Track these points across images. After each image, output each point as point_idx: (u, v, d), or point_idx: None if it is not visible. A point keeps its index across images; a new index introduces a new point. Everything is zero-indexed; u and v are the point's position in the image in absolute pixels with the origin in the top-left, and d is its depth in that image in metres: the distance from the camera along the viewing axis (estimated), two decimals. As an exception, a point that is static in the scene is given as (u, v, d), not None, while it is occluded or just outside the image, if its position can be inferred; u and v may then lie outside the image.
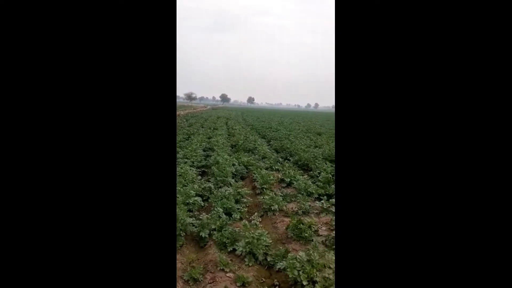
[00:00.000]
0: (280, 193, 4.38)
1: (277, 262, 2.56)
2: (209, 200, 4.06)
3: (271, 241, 2.93)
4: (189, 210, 3.59)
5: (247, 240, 2.78)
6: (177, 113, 21.86)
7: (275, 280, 2.45)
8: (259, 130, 13.76)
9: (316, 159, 6.60)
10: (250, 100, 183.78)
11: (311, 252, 2.53)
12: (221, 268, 2.52)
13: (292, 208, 3.87)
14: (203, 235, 3.05)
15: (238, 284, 2.34)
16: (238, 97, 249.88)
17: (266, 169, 5.82)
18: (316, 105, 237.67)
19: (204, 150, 7.49)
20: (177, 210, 3.08)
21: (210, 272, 2.53)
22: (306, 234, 3.02)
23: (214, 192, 4.27)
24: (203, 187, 4.49)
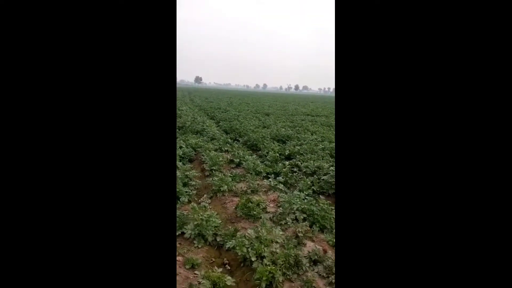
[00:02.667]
0: (229, 174, 4.39)
1: (227, 242, 2.59)
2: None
3: (220, 221, 2.94)
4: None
5: (196, 223, 2.75)
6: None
7: (225, 259, 2.49)
8: (208, 111, 13.45)
9: (264, 139, 6.74)
10: (198, 79, 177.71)
11: (259, 229, 2.62)
12: (169, 252, 2.46)
13: (241, 187, 3.92)
14: (149, 221, 2.92)
15: (187, 266, 2.32)
16: (184, 77, 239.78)
17: (215, 150, 5.76)
18: (265, 85, 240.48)
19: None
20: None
21: (158, 258, 2.46)
22: (254, 212, 3.10)
23: (160, 176, 4.10)
24: (148, 171, 4.26)
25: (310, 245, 2.60)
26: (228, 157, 5.36)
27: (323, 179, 4.13)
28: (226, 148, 6.01)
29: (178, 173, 4.16)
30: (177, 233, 2.76)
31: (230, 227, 2.88)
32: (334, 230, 2.88)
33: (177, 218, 2.89)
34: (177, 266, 2.32)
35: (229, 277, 2.17)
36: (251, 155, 5.58)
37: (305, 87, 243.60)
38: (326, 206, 3.17)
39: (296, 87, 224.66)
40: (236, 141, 6.97)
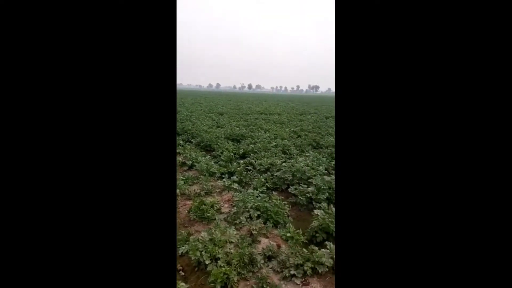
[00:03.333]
0: (182, 177, 4.24)
1: (180, 247, 2.50)
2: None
3: (172, 227, 2.82)
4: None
5: (145, 231, 2.60)
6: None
7: (179, 265, 2.40)
8: (158, 113, 12.85)
9: (218, 139, 6.67)
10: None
11: (213, 231, 2.57)
12: (116, 265, 2.29)
13: (194, 190, 3.82)
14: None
15: (137, 278, 2.18)
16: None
17: (166, 153, 5.53)
18: (218, 85, 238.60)
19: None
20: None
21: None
22: (208, 214, 3.04)
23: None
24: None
25: (264, 242, 2.64)
26: (180, 159, 5.19)
27: (276, 175, 4.22)
28: (178, 151, 5.81)
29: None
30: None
31: (183, 231, 2.78)
32: (287, 224, 2.97)
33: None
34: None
35: (183, 284, 2.10)
36: (205, 156, 5.47)
37: (258, 86, 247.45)
38: (279, 201, 3.25)
39: (249, 86, 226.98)
40: (188, 143, 6.78)
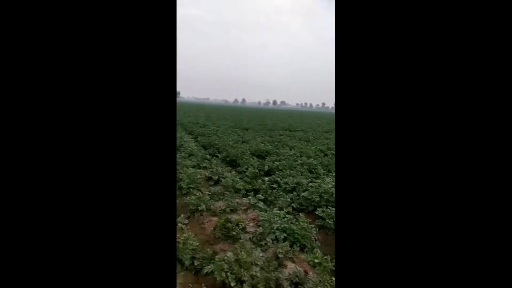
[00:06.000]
0: (207, 192, 4.27)
1: (205, 266, 2.47)
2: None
3: (198, 243, 2.81)
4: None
5: (172, 246, 2.61)
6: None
7: (203, 284, 2.37)
8: (186, 126, 13.26)
9: (243, 154, 6.69)
10: (177, 94, 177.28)
11: (238, 251, 2.52)
12: (143, 280, 2.30)
13: (220, 206, 3.82)
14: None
15: (162, 295, 2.16)
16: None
17: (193, 167, 5.62)
18: (244, 100, 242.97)
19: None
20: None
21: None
22: (234, 233, 3.01)
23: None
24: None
25: (290, 267, 2.54)
26: (207, 174, 5.24)
27: (302, 196, 4.12)
28: (204, 165, 5.88)
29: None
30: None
31: (208, 249, 2.75)
32: (315, 249, 2.85)
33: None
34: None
35: (207, 305, 2.05)
36: (230, 172, 5.50)
37: (283, 102, 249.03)
38: (306, 224, 3.14)
39: (274, 102, 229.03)
40: (214, 157, 6.87)
